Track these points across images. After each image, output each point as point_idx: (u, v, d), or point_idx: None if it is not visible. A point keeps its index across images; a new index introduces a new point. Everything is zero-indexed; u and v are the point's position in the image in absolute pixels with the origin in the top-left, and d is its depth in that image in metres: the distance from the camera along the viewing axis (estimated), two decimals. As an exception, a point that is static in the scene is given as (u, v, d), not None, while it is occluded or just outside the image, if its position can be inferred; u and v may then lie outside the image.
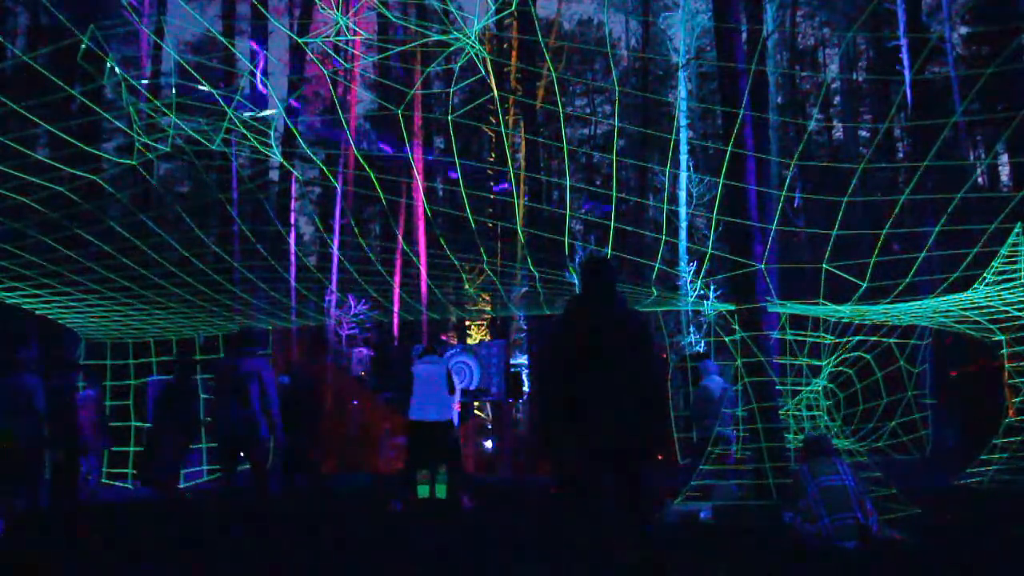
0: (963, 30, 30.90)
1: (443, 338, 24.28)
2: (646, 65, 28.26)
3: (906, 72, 21.17)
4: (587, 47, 31.23)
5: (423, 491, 9.35)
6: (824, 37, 32.34)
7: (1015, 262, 10.70)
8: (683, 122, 23.28)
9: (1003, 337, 11.00)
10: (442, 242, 11.71)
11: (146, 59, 21.65)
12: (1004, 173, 32.59)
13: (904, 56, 21.39)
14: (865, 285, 7.75)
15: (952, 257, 10.19)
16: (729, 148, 8.23)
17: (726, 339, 8.66)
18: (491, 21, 7.17)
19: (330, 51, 7.38)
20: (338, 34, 6.81)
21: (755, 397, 7.96)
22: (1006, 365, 11.13)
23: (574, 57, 33.62)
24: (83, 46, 7.87)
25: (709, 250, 9.44)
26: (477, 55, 6.97)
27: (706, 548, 6.42)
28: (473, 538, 7.20)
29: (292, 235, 19.29)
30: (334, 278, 21.72)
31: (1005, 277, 10.61)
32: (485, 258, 11.40)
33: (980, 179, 29.24)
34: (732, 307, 10.62)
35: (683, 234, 22.17)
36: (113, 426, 13.84)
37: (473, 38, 6.80)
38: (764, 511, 7.54)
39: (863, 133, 30.12)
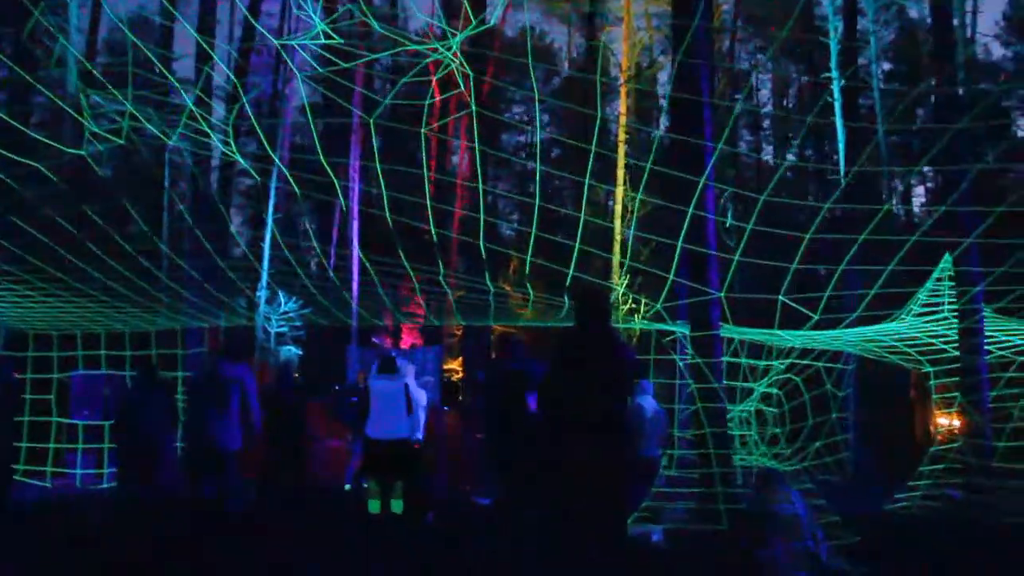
0: (886, 66, 32.25)
1: (375, 340, 24.02)
2: (586, 79, 28.55)
3: (836, 105, 21.87)
4: (534, 62, 31.27)
5: (374, 506, 9.23)
6: (758, 62, 33.24)
7: (940, 294, 11.17)
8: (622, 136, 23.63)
9: (931, 369, 11.49)
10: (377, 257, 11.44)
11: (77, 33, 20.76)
12: (916, 204, 34.06)
13: (835, 88, 22.12)
14: (816, 317, 8.00)
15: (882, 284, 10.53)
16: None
17: (677, 359, 8.81)
18: (465, 33, 7.12)
19: (308, 57, 7.20)
20: (314, 38, 6.68)
21: (707, 421, 8.13)
22: (934, 396, 11.62)
23: (513, 64, 33.65)
24: (29, 27, 7.54)
25: (677, 274, 9.57)
26: (459, 68, 6.95)
27: (664, 572, 6.52)
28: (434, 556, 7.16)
29: (269, 232, 18.78)
30: (264, 274, 21.27)
31: (929, 310, 11.05)
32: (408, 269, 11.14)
33: (907, 210, 30.47)
34: (671, 327, 10.83)
35: (616, 247, 22.48)
36: (33, 421, 13.28)
37: (456, 47, 6.77)
38: (716, 536, 7.70)
39: (791, 157, 31.09)
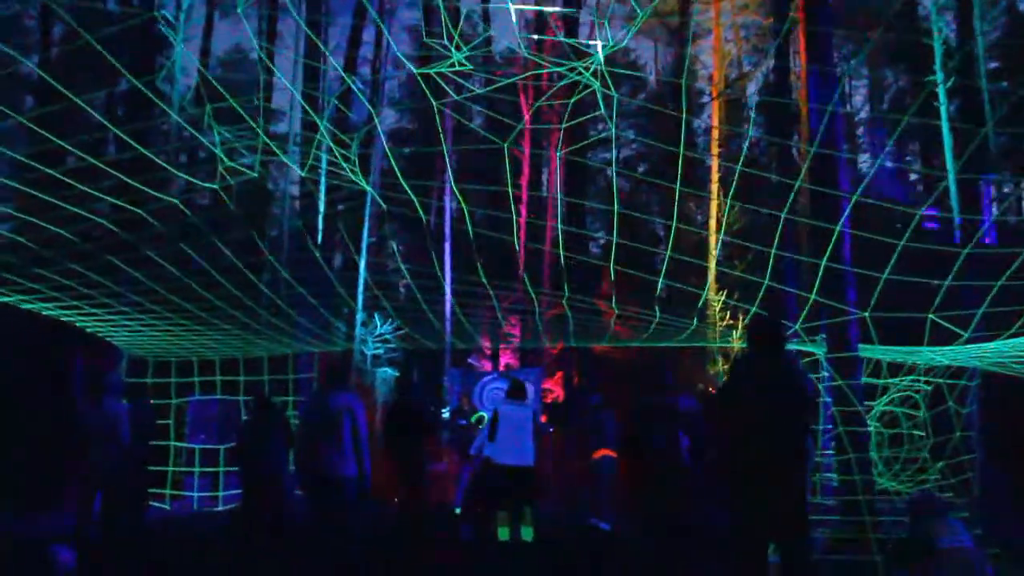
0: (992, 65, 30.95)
1: (471, 361, 24.06)
2: (675, 93, 28.25)
3: (942, 108, 21.03)
4: (632, 72, 31.13)
5: (503, 533, 9.17)
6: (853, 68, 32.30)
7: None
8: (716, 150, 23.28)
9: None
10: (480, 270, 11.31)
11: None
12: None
13: (940, 92, 21.27)
14: (967, 335, 7.60)
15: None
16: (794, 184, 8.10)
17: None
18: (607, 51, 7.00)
19: (443, 83, 7.20)
20: (451, 67, 6.68)
21: (850, 446, 7.80)
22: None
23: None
24: (166, 69, 7.72)
25: (767, 281, 9.24)
26: (600, 88, 6.86)
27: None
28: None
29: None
30: (359, 296, 21.52)
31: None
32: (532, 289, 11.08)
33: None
34: (809, 348, 10.47)
35: (712, 262, 22.04)
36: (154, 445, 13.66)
37: (600, 61, 6.67)
38: (863, 567, 7.35)
39: (888, 164, 30.05)
